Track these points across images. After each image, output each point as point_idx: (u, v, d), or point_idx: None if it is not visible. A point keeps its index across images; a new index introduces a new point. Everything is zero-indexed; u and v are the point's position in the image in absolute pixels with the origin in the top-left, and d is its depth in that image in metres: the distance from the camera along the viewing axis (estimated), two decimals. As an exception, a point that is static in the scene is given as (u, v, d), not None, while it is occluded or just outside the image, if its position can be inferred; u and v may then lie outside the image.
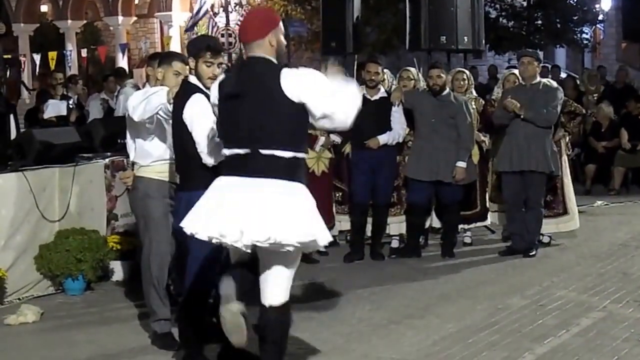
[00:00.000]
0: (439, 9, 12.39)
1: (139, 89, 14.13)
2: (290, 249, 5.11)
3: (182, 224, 5.34)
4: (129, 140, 7.09)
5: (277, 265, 5.29)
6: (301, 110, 5.22)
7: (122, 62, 30.63)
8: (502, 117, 10.06)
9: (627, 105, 16.10)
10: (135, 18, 35.97)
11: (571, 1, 28.11)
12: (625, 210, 13.48)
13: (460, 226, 10.56)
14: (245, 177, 5.22)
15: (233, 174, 5.29)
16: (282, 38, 5.41)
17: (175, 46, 31.92)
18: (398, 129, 9.92)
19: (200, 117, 6.10)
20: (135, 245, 8.71)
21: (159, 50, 30.91)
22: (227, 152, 5.39)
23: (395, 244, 10.43)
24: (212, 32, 30.92)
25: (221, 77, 5.61)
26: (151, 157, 6.93)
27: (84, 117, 14.79)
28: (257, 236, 5.03)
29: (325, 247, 6.13)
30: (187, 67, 6.61)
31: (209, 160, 6.10)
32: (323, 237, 5.19)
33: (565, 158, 10.70)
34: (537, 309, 7.73)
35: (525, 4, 27.44)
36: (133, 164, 7.16)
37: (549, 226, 10.51)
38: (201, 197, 5.37)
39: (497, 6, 27.15)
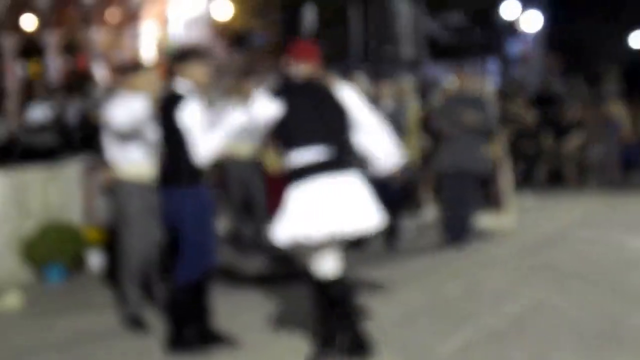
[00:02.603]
0: (383, 24, 12.49)
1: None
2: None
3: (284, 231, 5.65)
4: (106, 142, 6.95)
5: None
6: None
7: (99, 71, 30.42)
8: (446, 126, 10.16)
9: (549, 111, 16.46)
10: (111, 28, 35.73)
11: (503, 18, 28.39)
12: (550, 206, 13.63)
13: (402, 220, 10.62)
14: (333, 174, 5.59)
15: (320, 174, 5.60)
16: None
17: (150, 56, 31.75)
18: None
19: (201, 120, 5.99)
20: (111, 239, 8.69)
21: (134, 60, 30.72)
22: (304, 154, 5.59)
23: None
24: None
25: (275, 90, 5.74)
26: (129, 158, 6.82)
27: (64, 122, 14.72)
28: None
29: None
30: (159, 72, 6.47)
31: (203, 157, 5.97)
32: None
33: (506, 158, 10.84)
34: (469, 297, 7.78)
35: (463, 21, 27.70)
36: (111, 165, 6.99)
37: (488, 220, 10.61)
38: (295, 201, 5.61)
39: (438, 22, 27.37)
